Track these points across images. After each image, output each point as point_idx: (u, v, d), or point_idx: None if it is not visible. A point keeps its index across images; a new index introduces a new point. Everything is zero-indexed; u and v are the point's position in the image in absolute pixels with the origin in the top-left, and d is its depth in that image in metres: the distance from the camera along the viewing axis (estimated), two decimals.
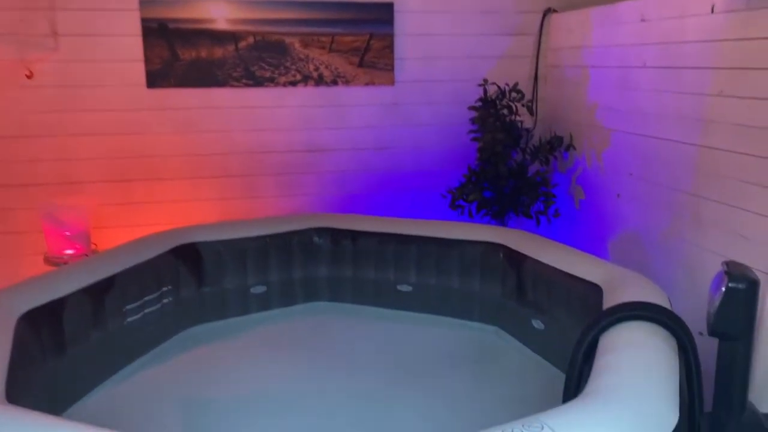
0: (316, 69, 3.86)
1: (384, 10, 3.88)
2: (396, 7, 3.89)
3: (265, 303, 3.46)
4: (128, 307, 2.88)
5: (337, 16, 3.83)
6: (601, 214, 3.61)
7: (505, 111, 3.78)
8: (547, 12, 4.08)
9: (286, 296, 3.52)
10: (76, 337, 2.59)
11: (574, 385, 2.10)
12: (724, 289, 1.92)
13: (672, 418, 1.63)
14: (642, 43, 3.18)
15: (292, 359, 3.00)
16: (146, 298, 2.99)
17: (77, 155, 3.61)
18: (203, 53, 3.67)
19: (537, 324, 2.98)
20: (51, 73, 3.50)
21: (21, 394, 2.02)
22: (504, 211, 3.87)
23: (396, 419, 2.53)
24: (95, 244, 3.53)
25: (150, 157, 3.72)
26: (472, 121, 3.84)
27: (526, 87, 4.03)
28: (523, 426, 1.52)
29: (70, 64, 3.53)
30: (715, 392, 2.03)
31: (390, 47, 3.93)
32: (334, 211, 4.02)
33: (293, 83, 3.85)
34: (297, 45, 3.79)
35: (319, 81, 3.89)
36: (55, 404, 2.41)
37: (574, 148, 3.81)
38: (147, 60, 3.60)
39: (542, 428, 1.51)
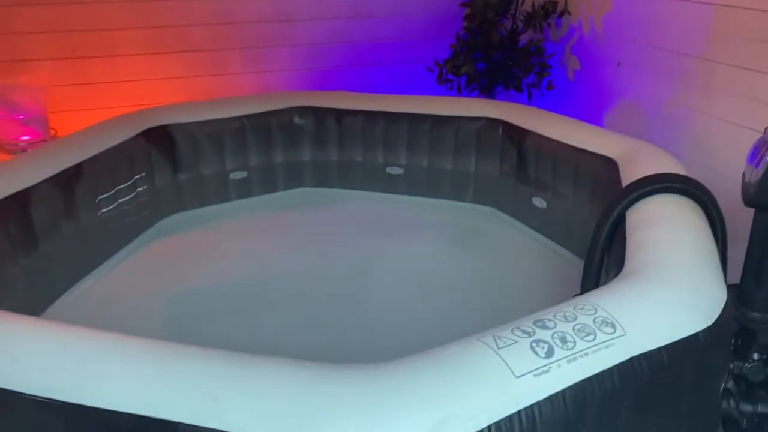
0: None
1: None
2: None
3: (245, 189, 3.24)
4: (101, 197, 2.63)
5: None
6: (597, 84, 3.43)
7: None
8: None
9: (267, 182, 3.29)
10: (48, 232, 2.35)
11: (597, 264, 2.00)
12: None
13: (722, 292, 1.54)
14: None
15: (277, 249, 2.83)
16: (119, 187, 2.73)
17: (22, 28, 3.17)
18: None
19: (539, 202, 2.86)
20: None
21: None
22: (493, 84, 3.65)
23: (391, 309, 2.38)
24: (54, 130, 3.19)
25: (104, 31, 3.31)
26: None
27: None
28: (574, 308, 1.40)
29: None
30: (745, 264, 1.96)
31: None
32: (310, 89, 3.72)
33: None
34: None
35: None
36: (32, 304, 2.21)
37: (569, 14, 3.55)
38: None
39: (595, 311, 1.39)
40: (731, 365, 1.75)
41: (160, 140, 2.96)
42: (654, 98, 3.00)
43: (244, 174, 3.22)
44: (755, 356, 1.80)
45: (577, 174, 2.62)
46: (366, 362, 1.98)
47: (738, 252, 1.93)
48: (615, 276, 1.74)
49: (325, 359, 2.06)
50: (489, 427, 1.14)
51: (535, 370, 1.24)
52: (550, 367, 1.25)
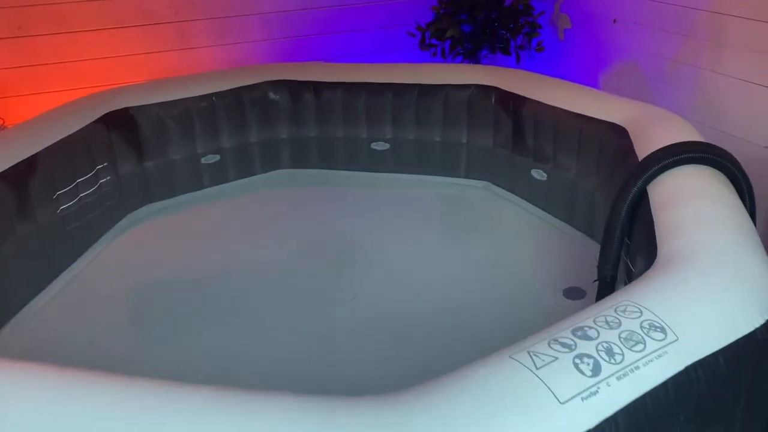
0: None
1: None
2: None
3: (219, 174, 2.99)
4: (59, 192, 2.36)
5: None
6: (591, 44, 3.21)
7: None
8: None
9: (242, 165, 3.04)
10: (1, 236, 2.09)
11: (616, 246, 1.81)
12: None
13: None
14: None
15: (256, 238, 2.60)
16: (79, 180, 2.46)
17: None
18: None
19: (538, 174, 2.66)
20: None
21: None
22: (478, 47, 3.41)
23: (387, 303, 2.18)
24: (1, 119, 2.89)
25: (53, 5, 2.98)
26: None
27: None
28: (616, 311, 1.21)
29: None
30: None
31: None
32: (283, 60, 3.45)
33: None
34: None
35: None
36: None
37: None
38: None
39: (641, 313, 1.20)
40: None
41: (122, 125, 2.69)
42: (656, 57, 2.80)
43: (217, 157, 2.96)
44: None
45: (581, 143, 2.42)
46: (367, 373, 1.83)
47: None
48: (645, 264, 1.57)
49: (315, 363, 1.89)
50: None
51: (582, 392, 1.05)
52: (599, 388, 1.06)
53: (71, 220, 2.41)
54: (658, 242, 1.50)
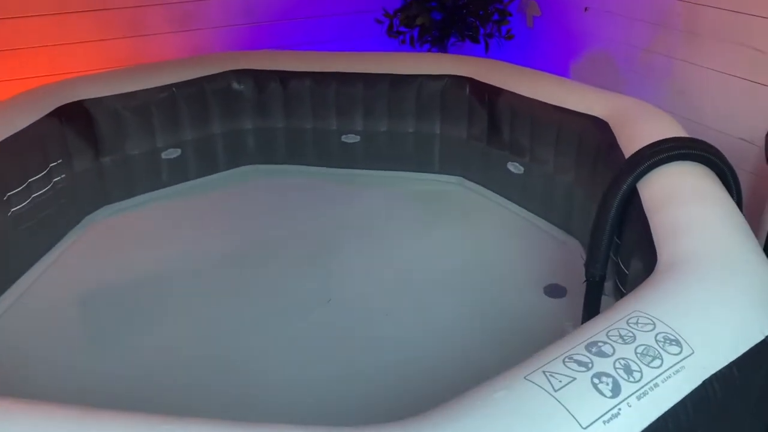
0: None
1: None
2: None
3: (181, 171, 2.83)
4: (10, 193, 2.18)
5: None
6: (562, 32, 3.17)
7: None
8: None
9: (205, 160, 2.90)
10: None
11: (605, 246, 1.77)
12: None
13: None
14: None
15: (221, 242, 2.48)
16: (31, 180, 2.29)
17: None
18: None
19: (515, 167, 2.61)
20: None
21: None
22: (446, 35, 3.33)
23: (362, 308, 2.10)
24: None
25: None
26: None
27: None
28: (628, 323, 1.16)
29: None
30: None
31: None
32: (245, 47, 3.29)
33: None
34: None
35: None
36: None
37: None
38: None
39: (654, 325, 1.15)
40: None
41: (76, 119, 2.52)
42: (628, 46, 2.77)
43: (178, 152, 2.81)
44: None
45: (560, 136, 2.38)
46: (342, 375, 1.76)
47: None
48: (642, 264, 1.53)
49: (290, 376, 1.80)
50: None
51: (604, 415, 1.00)
52: (620, 409, 1.01)
53: (24, 222, 2.24)
54: (656, 245, 1.46)
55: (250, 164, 2.96)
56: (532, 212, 2.56)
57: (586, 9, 2.97)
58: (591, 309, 1.83)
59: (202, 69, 2.79)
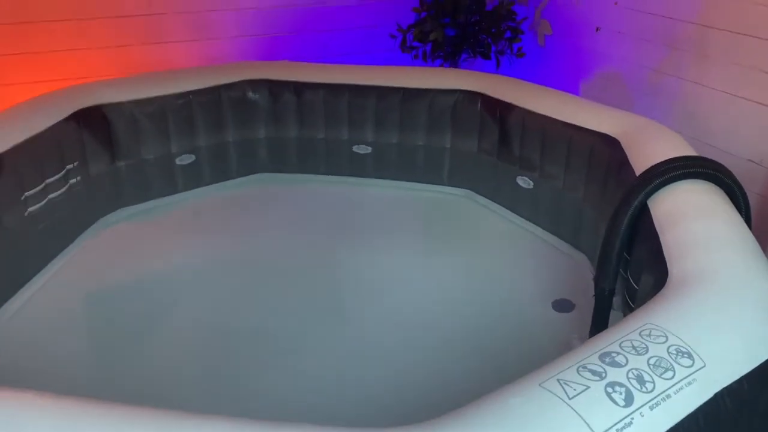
0: None
1: None
2: None
3: (195, 176, 2.87)
4: (27, 194, 2.22)
5: None
6: (573, 51, 3.21)
7: None
8: None
9: (219, 167, 2.93)
10: None
11: (615, 260, 1.79)
12: None
13: None
14: None
15: (232, 248, 2.51)
16: (48, 181, 2.32)
17: None
18: None
19: (524, 182, 2.64)
20: None
21: None
22: (458, 51, 3.37)
23: (369, 319, 2.12)
24: None
25: None
26: None
27: None
28: (640, 335, 1.18)
29: None
30: None
31: None
32: (259, 58, 3.34)
33: None
34: None
35: None
36: None
37: None
38: None
39: (666, 338, 1.18)
40: None
41: (94, 123, 2.55)
42: (639, 67, 2.81)
43: (192, 158, 2.84)
44: None
45: (570, 153, 2.40)
46: (355, 392, 1.77)
47: None
48: (653, 280, 1.55)
49: (299, 387, 1.82)
50: None
51: (617, 423, 1.02)
52: (633, 418, 1.04)
53: (40, 222, 2.27)
54: (668, 260, 1.48)
55: (263, 172, 2.99)
56: (540, 227, 2.58)
57: (597, 29, 3.02)
58: (599, 323, 1.86)
59: (218, 77, 2.83)
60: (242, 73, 2.88)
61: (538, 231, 2.59)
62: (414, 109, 2.83)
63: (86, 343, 2.03)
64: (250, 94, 2.88)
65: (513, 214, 2.70)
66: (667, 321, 1.21)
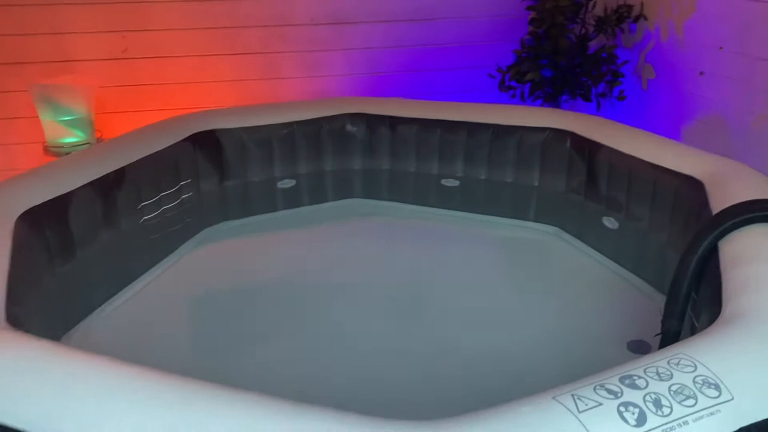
0: None
1: None
2: None
3: (293, 199, 3.09)
4: (144, 203, 2.51)
5: None
6: (675, 95, 3.15)
7: None
8: None
9: (316, 191, 3.14)
10: (86, 240, 2.24)
11: (682, 301, 1.76)
12: None
13: None
14: None
15: (323, 263, 2.64)
16: (163, 194, 2.62)
17: (72, 27, 3.11)
18: None
19: (610, 222, 2.61)
20: None
21: (25, 309, 1.70)
22: (559, 92, 3.40)
23: (442, 341, 2.15)
24: (100, 132, 3.12)
25: (155, 31, 3.22)
26: None
27: None
28: (668, 363, 1.18)
29: None
30: None
31: None
32: (365, 95, 3.56)
33: None
34: None
35: None
36: (67, 317, 2.10)
37: (645, 19, 3.28)
38: None
39: (695, 368, 1.16)
40: None
41: (208, 145, 2.84)
42: (742, 112, 2.71)
43: (293, 182, 3.07)
44: None
45: (656, 194, 2.37)
46: (417, 404, 1.83)
47: None
48: (709, 320, 1.52)
49: (367, 393, 1.90)
50: None
51: None
52: None
53: (152, 230, 2.56)
54: (723, 300, 1.45)
55: (356, 197, 3.16)
56: (624, 267, 2.53)
57: (701, 73, 2.95)
58: None
59: (321, 110, 3.06)
60: (342, 107, 3.09)
61: (622, 271, 2.53)
62: (503, 145, 2.90)
63: (178, 338, 2.23)
64: (349, 127, 3.08)
65: (598, 253, 2.66)
66: (698, 352, 1.20)
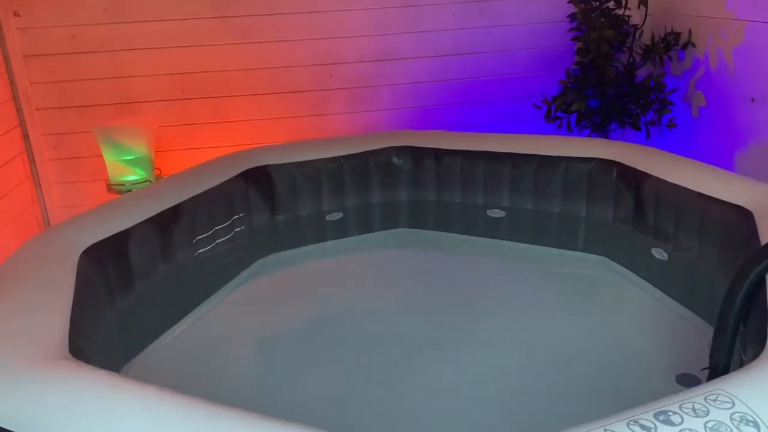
0: None
1: None
2: None
3: (341, 231, 3.17)
4: (198, 237, 2.63)
5: None
6: (727, 123, 3.09)
7: (612, 3, 3.23)
8: None
9: (363, 222, 3.21)
10: (145, 274, 2.36)
11: (730, 335, 1.72)
12: None
13: None
14: None
15: (371, 293, 2.70)
16: (217, 228, 2.73)
17: (135, 71, 3.31)
18: None
19: (659, 254, 2.57)
20: None
21: (88, 340, 1.80)
22: (607, 121, 3.39)
23: (488, 368, 2.18)
24: (159, 169, 3.28)
25: (210, 72, 3.39)
26: (571, 17, 3.31)
27: None
28: (705, 399, 1.17)
29: None
30: None
31: None
32: (411, 128, 3.63)
33: None
34: None
35: None
36: (126, 348, 2.21)
37: (694, 46, 3.25)
38: None
39: (733, 404, 1.15)
40: None
41: (260, 181, 2.95)
42: None
43: (340, 215, 3.15)
44: None
45: (704, 225, 2.33)
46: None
47: None
48: (754, 354, 1.49)
49: (415, 423, 1.93)
50: None
51: None
52: None
53: (206, 262, 2.67)
54: (767, 334, 1.43)
55: (402, 227, 3.21)
56: (673, 299, 2.49)
57: (753, 100, 2.90)
58: None
59: (367, 144, 3.14)
60: (388, 140, 3.16)
61: (671, 303, 2.49)
62: (549, 176, 2.90)
63: (233, 372, 2.30)
64: (395, 160, 3.14)
65: (647, 283, 2.62)
66: (738, 388, 1.18)
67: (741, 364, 1.68)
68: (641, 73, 3.37)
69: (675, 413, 1.13)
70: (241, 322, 2.53)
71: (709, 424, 1.11)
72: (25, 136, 3.29)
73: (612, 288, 2.70)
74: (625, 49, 3.36)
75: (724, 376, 1.26)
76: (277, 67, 3.44)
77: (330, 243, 3.14)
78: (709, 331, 2.29)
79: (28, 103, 3.25)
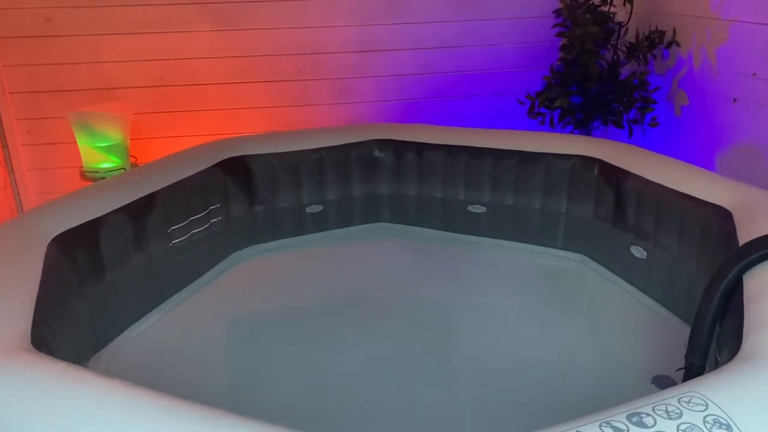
0: None
1: None
2: None
3: (321, 223, 3.13)
4: (173, 227, 2.58)
5: None
6: (709, 122, 3.09)
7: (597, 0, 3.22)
8: None
9: (343, 216, 3.18)
10: (116, 263, 2.30)
11: (706, 335, 1.71)
12: None
13: None
14: None
15: (349, 286, 2.68)
16: (193, 218, 2.68)
17: (111, 56, 3.24)
18: None
19: (638, 252, 2.57)
20: None
21: (54, 331, 1.75)
22: (590, 119, 3.38)
23: (464, 366, 2.17)
24: (134, 157, 3.22)
25: (189, 59, 3.32)
26: (557, 12, 3.29)
27: None
28: (679, 401, 1.15)
29: None
30: None
31: None
32: (394, 121, 3.60)
33: None
34: None
35: None
36: (95, 340, 2.16)
37: (678, 45, 3.24)
38: None
39: (706, 407, 1.13)
40: None
41: (237, 171, 2.90)
42: None
43: (320, 207, 3.11)
44: None
45: (683, 224, 2.32)
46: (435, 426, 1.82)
47: None
48: (729, 356, 1.47)
49: (385, 414, 1.90)
50: None
51: None
52: None
53: (181, 253, 2.62)
54: (744, 335, 1.41)
55: (383, 222, 3.18)
56: (652, 298, 2.48)
57: (735, 100, 2.89)
58: None
59: (349, 136, 3.10)
60: (370, 133, 3.12)
61: (649, 302, 2.49)
62: (530, 172, 2.88)
63: (206, 362, 2.26)
64: (376, 153, 3.11)
65: (626, 282, 2.62)
66: (711, 390, 1.17)
67: (716, 365, 1.66)
68: (625, 71, 3.36)
69: (648, 415, 1.11)
70: (213, 315, 2.49)
71: (682, 427, 1.09)
72: None
73: (590, 286, 2.69)
74: (609, 46, 3.35)
75: (699, 378, 1.24)
76: (258, 56, 3.38)
77: (309, 236, 3.11)
78: (686, 331, 2.28)
79: (2, 86, 3.17)
